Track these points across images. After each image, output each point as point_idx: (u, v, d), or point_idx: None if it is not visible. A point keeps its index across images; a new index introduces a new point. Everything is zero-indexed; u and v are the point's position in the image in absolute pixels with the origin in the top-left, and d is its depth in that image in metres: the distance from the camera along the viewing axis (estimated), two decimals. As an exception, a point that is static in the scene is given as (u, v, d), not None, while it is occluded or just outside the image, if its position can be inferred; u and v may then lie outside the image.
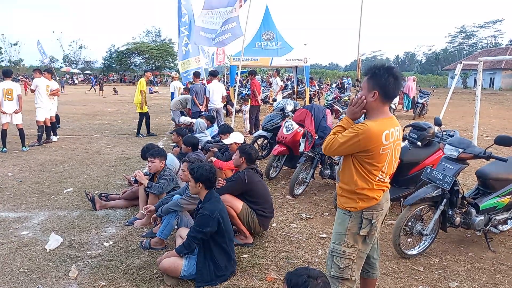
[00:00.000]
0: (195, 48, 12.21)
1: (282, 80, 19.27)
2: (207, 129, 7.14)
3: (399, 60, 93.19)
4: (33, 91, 8.79)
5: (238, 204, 3.91)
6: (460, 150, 3.71)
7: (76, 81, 51.48)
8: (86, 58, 64.82)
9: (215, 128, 7.42)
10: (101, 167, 6.95)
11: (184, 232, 3.52)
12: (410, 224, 3.70)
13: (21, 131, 8.25)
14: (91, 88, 35.02)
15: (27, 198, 5.21)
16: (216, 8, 7.83)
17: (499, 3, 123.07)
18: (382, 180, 2.38)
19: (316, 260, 3.64)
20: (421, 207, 3.72)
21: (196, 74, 10.69)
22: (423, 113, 15.16)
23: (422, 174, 3.95)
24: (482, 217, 3.79)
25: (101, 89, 30.94)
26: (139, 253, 3.72)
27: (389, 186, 2.49)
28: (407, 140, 4.94)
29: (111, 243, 3.91)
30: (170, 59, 57.35)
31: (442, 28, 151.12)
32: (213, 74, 10.12)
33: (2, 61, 57.96)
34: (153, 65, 55.44)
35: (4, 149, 8.13)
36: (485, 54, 42.86)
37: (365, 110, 2.39)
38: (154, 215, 3.95)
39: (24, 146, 8.28)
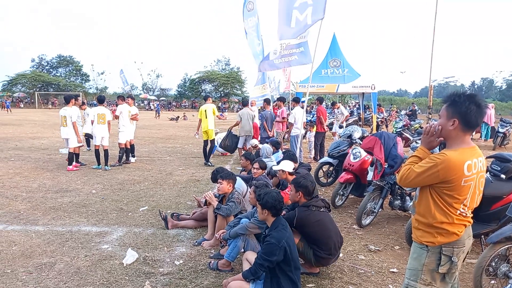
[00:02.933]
0: (262, 75, 12.64)
1: (348, 107, 18.99)
2: (272, 154, 7.25)
3: (476, 86, 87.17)
4: (117, 117, 9.65)
5: (295, 239, 3.52)
6: (554, 186, 3.36)
7: (152, 107, 55.48)
8: (162, 86, 69.74)
9: (279, 154, 7.51)
10: (173, 188, 7.35)
11: (250, 255, 3.57)
12: (493, 264, 3.39)
13: (106, 152, 9.08)
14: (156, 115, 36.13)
15: (107, 214, 5.66)
16: (288, 38, 7.76)
17: None
18: (464, 214, 2.25)
19: (387, 295, 3.47)
20: (506, 246, 3.39)
21: (267, 101, 11.06)
22: (505, 143, 13.96)
23: (507, 209, 3.63)
24: None
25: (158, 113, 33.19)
26: (207, 273, 3.83)
27: (472, 221, 2.34)
28: (488, 172, 4.59)
29: (181, 261, 4.08)
30: (238, 86, 59.72)
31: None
32: (296, 101, 10.32)
33: (90, 88, 64.59)
34: (221, 92, 58.14)
35: (99, 166, 9.17)
36: None
37: (442, 139, 2.31)
38: (221, 237, 4.06)
39: (107, 166, 9.07)
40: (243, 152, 8.19)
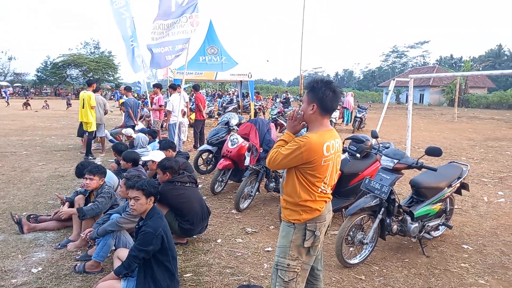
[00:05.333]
0: (139, 61, 11.90)
1: (228, 95, 19.27)
2: (149, 143, 6.90)
3: (339, 76, 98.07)
4: None
5: (163, 210, 3.80)
6: (395, 161, 3.91)
7: (4, 95, 47.66)
8: (16, 70, 60.23)
9: (156, 143, 7.19)
10: (30, 186, 6.39)
11: (122, 252, 3.31)
12: (351, 233, 3.80)
13: None
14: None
15: None
16: (169, 18, 7.33)
17: (426, 25, 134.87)
18: (325, 191, 2.42)
19: (262, 274, 3.60)
20: (361, 216, 3.84)
21: (128, 89, 10.61)
22: (361, 126, 15.97)
23: (361, 184, 4.10)
24: (417, 224, 4.00)
25: (25, 104, 27.77)
26: (72, 278, 3.44)
27: (331, 197, 2.53)
28: (347, 153, 5.13)
29: (40, 269, 3.57)
30: (110, 72, 55.19)
31: (378, 47, 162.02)
32: (173, 87, 9.87)
33: None
34: (91, 78, 52.99)
35: None
36: (415, 72, 46.46)
37: (305, 123, 2.45)
38: (88, 236, 3.67)
39: None
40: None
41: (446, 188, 4.25)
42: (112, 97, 39.17)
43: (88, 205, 4.20)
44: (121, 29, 11.00)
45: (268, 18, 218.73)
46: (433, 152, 3.81)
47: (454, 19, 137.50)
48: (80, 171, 4.61)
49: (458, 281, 3.56)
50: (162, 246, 2.99)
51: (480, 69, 45.15)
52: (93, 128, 9.04)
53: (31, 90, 52.05)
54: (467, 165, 4.65)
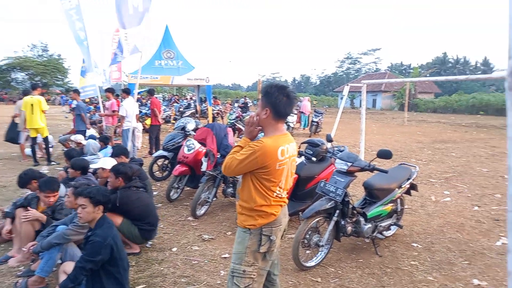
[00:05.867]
0: (89, 64, 11.42)
1: (185, 100, 18.95)
2: (100, 150, 6.60)
3: (296, 82, 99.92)
4: None
5: (117, 220, 3.90)
6: (349, 164, 4.00)
7: None
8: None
9: (109, 150, 6.90)
10: (-33, 198, 5.89)
11: (69, 266, 3.10)
12: (307, 236, 3.83)
13: None
14: None
15: None
16: (129, 27, 7.16)
17: (377, 34, 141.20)
18: (280, 195, 2.41)
19: (218, 282, 3.53)
20: (317, 219, 3.89)
21: (77, 92, 10.28)
22: (318, 130, 16.32)
23: (317, 187, 4.15)
24: (370, 225, 4.12)
25: None
26: (12, 296, 3.20)
27: (287, 201, 2.53)
28: (303, 156, 5.19)
29: (-25, 289, 3.28)
30: (60, 76, 52.50)
31: (333, 53, 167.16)
32: (126, 92, 9.51)
33: None
34: (39, 82, 50.03)
35: None
36: (367, 78, 48.41)
37: (260, 128, 2.44)
38: (32, 250, 3.42)
39: None
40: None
41: (396, 189, 4.41)
42: (65, 102, 37.06)
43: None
44: (73, 31, 10.54)
45: (227, 23, 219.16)
46: (384, 155, 3.94)
47: (403, 28, 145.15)
48: (24, 181, 4.30)
49: (409, 278, 3.69)
50: (112, 256, 2.85)
51: (427, 75, 47.86)
52: (46, 133, 8.77)
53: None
54: (415, 167, 4.86)
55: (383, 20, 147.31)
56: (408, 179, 4.59)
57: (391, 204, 4.43)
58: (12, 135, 9.28)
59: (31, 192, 4.33)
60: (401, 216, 4.76)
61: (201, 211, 5.46)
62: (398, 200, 4.61)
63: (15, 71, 50.91)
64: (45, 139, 8.82)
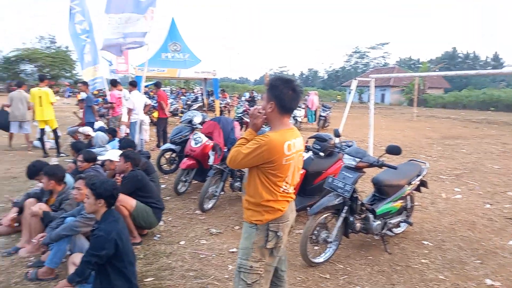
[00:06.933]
0: (95, 56, 11.40)
1: (193, 93, 18.91)
2: (108, 142, 6.60)
3: (304, 76, 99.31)
4: None
5: (132, 202, 4.07)
6: (358, 160, 3.94)
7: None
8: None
9: (116, 142, 6.90)
10: (-23, 189, 5.95)
11: (78, 258, 3.10)
12: (316, 232, 3.80)
13: None
14: None
15: None
16: (120, 12, 7.12)
17: (386, 28, 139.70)
18: (287, 191, 2.37)
19: (226, 276, 3.52)
20: (325, 215, 3.84)
21: (85, 83, 10.28)
22: (326, 125, 16.19)
23: (325, 183, 4.10)
24: (379, 222, 4.06)
25: None
26: (23, 286, 3.26)
27: (294, 196, 2.49)
28: (311, 151, 5.14)
29: (-15, 278, 3.30)
30: (68, 68, 52.68)
31: (341, 47, 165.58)
32: (133, 84, 9.51)
33: None
34: (47, 74, 50.29)
35: None
36: (376, 73, 47.89)
37: (265, 120, 2.40)
38: (41, 242, 3.44)
39: None
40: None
41: (406, 185, 4.34)
42: (70, 94, 37.17)
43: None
44: (70, 25, 10.57)
45: (234, 16, 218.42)
46: (393, 150, 3.87)
47: (412, 22, 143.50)
48: (32, 172, 4.32)
49: (419, 277, 3.64)
50: (117, 251, 2.83)
51: (437, 70, 47.22)
52: (56, 124, 8.90)
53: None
54: (425, 163, 4.78)
55: (392, 14, 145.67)
56: (418, 175, 4.52)
57: (401, 201, 4.37)
58: (4, 123, 9.40)
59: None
60: (411, 213, 4.69)
61: (208, 205, 5.45)
62: (408, 197, 4.54)
63: (24, 63, 51.20)
64: (54, 131, 8.90)
